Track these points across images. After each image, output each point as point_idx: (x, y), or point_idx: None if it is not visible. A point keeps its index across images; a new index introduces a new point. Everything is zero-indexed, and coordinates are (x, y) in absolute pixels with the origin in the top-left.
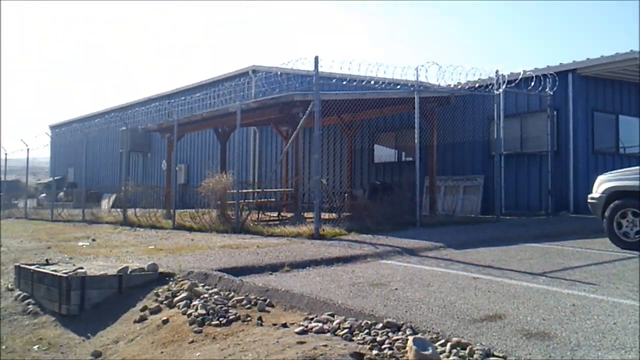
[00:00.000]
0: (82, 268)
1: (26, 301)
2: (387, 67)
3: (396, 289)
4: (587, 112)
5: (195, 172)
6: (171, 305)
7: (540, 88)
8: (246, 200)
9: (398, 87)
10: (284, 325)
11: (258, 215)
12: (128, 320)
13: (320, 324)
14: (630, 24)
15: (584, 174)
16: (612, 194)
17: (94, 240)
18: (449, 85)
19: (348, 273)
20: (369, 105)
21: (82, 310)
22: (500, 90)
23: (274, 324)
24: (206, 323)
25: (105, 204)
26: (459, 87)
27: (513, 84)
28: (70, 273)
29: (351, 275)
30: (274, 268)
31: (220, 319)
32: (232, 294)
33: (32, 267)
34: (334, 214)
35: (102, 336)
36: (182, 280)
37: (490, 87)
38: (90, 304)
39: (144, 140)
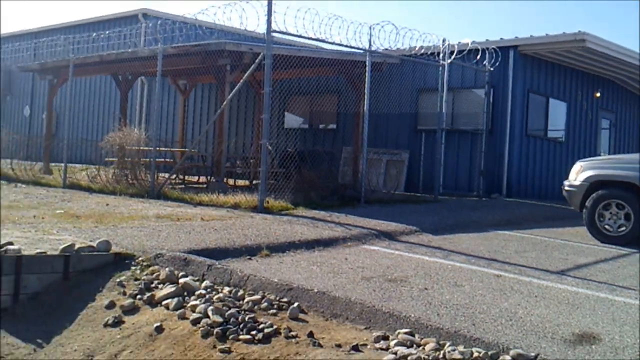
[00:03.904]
0: (11, 243)
1: None
2: (343, 21)
3: (426, 288)
4: (523, 92)
5: (64, 122)
6: (152, 303)
7: (484, 63)
8: (161, 160)
9: (350, 47)
10: (355, 349)
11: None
12: (93, 321)
13: (410, 350)
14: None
15: (517, 156)
16: (594, 183)
17: None
18: (400, 49)
19: (341, 261)
20: (289, 65)
21: (17, 303)
22: (449, 60)
23: (338, 345)
24: (230, 337)
25: None
26: (412, 52)
27: (459, 56)
28: None
29: (351, 266)
30: (250, 251)
31: (252, 332)
32: (240, 291)
33: None
34: (246, 181)
35: (62, 345)
36: (150, 266)
37: (435, 56)
38: (26, 293)
39: (3, 82)
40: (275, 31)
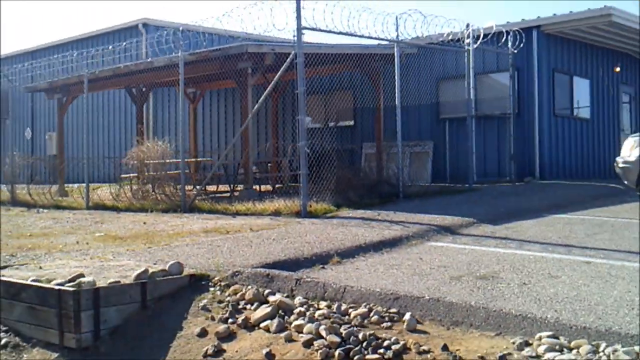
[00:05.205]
0: (82, 275)
1: None
2: (370, 12)
3: (524, 283)
4: (549, 72)
5: (70, 142)
6: (249, 327)
7: (508, 45)
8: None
9: (379, 39)
10: None
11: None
12: (188, 352)
13: (567, 356)
14: None
15: (547, 137)
16: None
17: None
18: (421, 37)
19: (418, 262)
20: (307, 64)
21: (98, 340)
22: (475, 45)
23: (480, 357)
24: (355, 358)
25: None
26: (439, 40)
27: (484, 40)
28: (67, 284)
29: (430, 265)
30: (321, 259)
31: (379, 351)
32: (342, 305)
33: None
34: (268, 186)
35: None
36: (229, 285)
37: (461, 42)
38: (107, 328)
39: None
40: (305, 28)
